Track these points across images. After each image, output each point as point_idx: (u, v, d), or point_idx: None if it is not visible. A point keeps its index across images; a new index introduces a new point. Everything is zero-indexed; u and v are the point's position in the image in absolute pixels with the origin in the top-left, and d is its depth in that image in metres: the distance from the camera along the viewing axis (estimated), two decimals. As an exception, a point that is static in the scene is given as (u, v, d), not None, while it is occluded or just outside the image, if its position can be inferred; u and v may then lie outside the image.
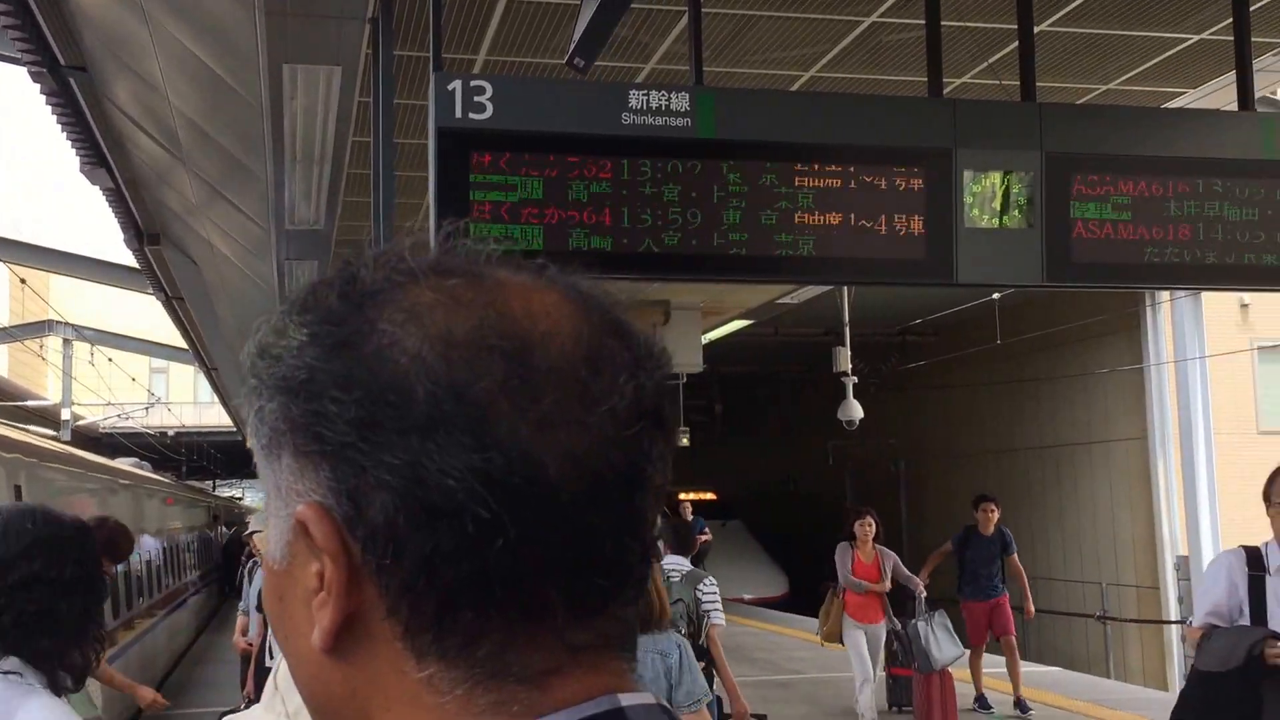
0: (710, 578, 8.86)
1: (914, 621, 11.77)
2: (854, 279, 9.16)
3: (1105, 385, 21.29)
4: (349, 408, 0.81)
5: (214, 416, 49.80)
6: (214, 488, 55.78)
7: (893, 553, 12.33)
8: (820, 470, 30.20)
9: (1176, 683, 19.18)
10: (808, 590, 28.32)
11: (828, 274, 6.88)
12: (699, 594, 8.55)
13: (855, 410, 18.96)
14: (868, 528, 12.15)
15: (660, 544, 8.64)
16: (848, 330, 19.24)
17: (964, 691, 12.55)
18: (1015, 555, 13.27)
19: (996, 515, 13.16)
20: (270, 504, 0.88)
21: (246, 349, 0.89)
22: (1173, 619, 19.52)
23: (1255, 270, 6.71)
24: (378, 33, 7.55)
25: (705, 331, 20.59)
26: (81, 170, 13.48)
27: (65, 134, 12.63)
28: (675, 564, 8.70)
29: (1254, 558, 5.68)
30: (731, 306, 19.59)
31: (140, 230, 16.46)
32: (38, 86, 11.33)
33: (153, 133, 12.09)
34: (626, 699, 0.83)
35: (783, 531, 32.40)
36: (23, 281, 26.28)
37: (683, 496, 27.41)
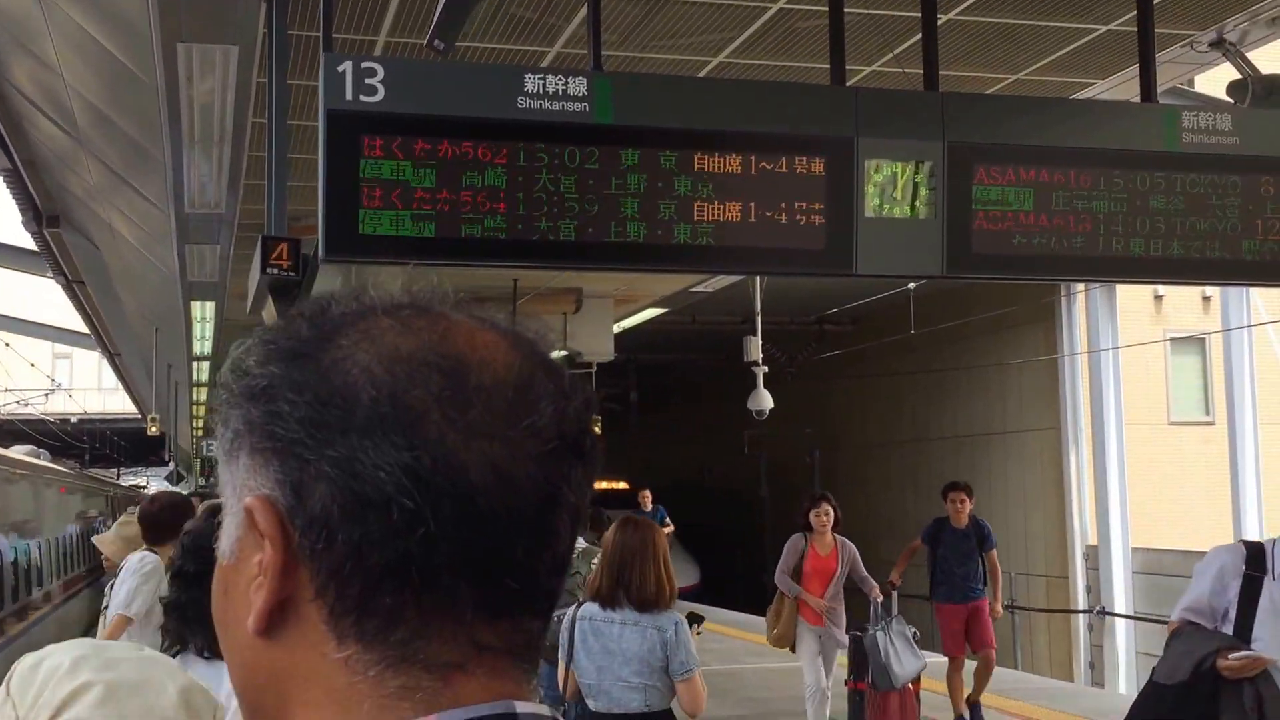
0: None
1: (871, 631, 10.31)
2: (753, 269, 9.07)
3: (1019, 376, 21.39)
4: (300, 408, 0.90)
5: (118, 403, 48.75)
6: (118, 475, 54.49)
7: (853, 545, 10.90)
8: (736, 459, 30.17)
9: (1083, 672, 19.34)
10: (719, 581, 28.37)
11: (727, 263, 6.77)
12: (593, 567, 9.18)
13: (765, 400, 18.91)
14: (824, 517, 10.74)
15: None
16: (759, 319, 19.16)
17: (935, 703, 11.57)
18: (994, 551, 11.79)
19: (969, 505, 11.75)
20: (228, 504, 0.97)
21: (224, 369, 0.99)
22: (1080, 609, 19.68)
23: (1157, 262, 6.68)
24: (273, 11, 7.36)
25: (619, 319, 20.51)
26: (-23, 150, 13.14)
27: (-43, 113, 12.29)
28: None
29: (1255, 555, 5.09)
30: (644, 294, 19.50)
31: (39, 212, 16.04)
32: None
33: (50, 114, 11.79)
34: (522, 707, 0.90)
35: (696, 521, 32.37)
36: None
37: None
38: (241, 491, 0.94)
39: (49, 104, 11.47)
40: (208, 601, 2.99)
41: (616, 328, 20.47)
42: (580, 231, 6.00)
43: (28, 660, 1.70)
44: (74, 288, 21.57)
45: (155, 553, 7.42)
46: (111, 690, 1.63)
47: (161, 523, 7.46)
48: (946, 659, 11.70)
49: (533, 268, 6.73)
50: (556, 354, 1.01)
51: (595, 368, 20.11)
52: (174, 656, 2.94)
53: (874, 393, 25.84)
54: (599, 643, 5.97)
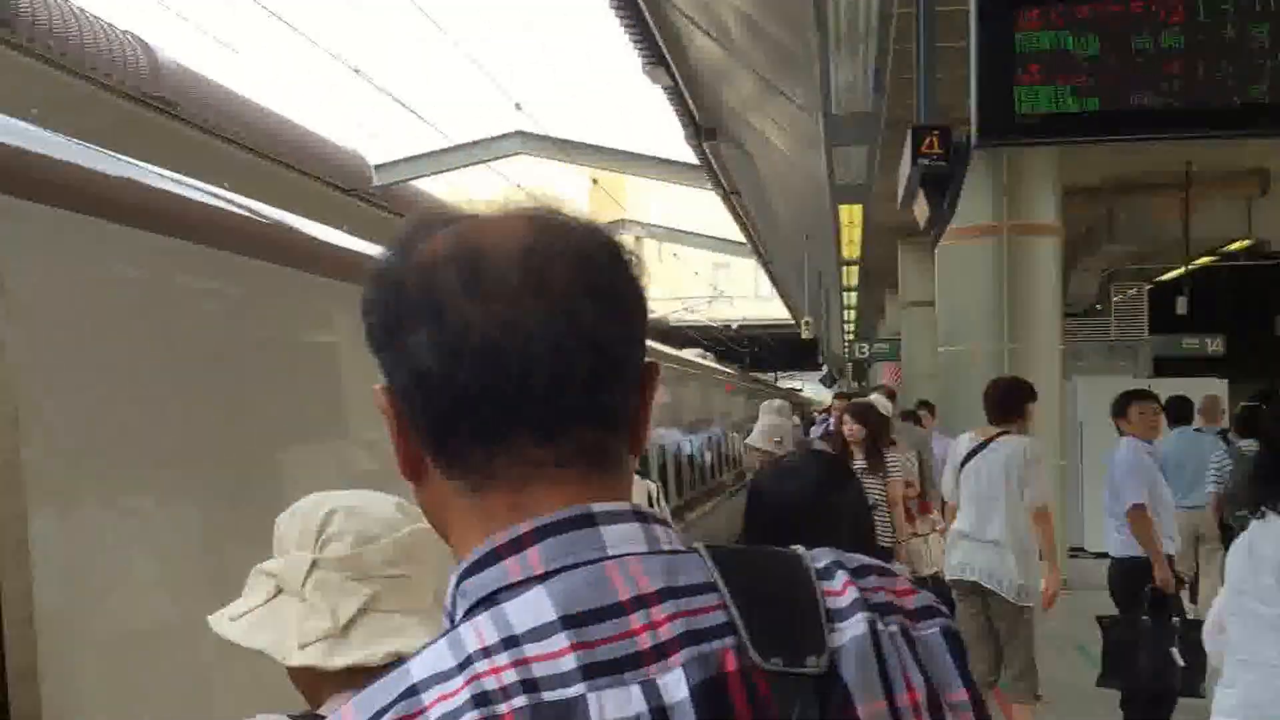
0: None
1: None
2: None
3: None
4: (376, 318, 1.20)
5: (773, 310, 50.72)
6: (775, 380, 56.32)
7: None
8: None
9: None
10: None
11: None
12: None
13: None
14: None
15: None
16: None
17: None
18: None
19: None
20: None
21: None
22: None
23: None
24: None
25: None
26: (644, 70, 14.00)
27: (626, 35, 13.07)
28: None
29: None
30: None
31: (699, 126, 16.91)
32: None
33: (706, 28, 12.11)
34: (598, 506, 1.14)
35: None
36: (594, 181, 27.54)
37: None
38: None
39: (704, 17, 11.77)
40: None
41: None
42: (1274, 92, 5.26)
43: (283, 514, 2.18)
44: (730, 199, 22.53)
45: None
46: (351, 509, 2.12)
47: (1005, 403, 7.92)
48: None
49: (1214, 136, 6.04)
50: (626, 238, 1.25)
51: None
52: None
53: None
54: None
